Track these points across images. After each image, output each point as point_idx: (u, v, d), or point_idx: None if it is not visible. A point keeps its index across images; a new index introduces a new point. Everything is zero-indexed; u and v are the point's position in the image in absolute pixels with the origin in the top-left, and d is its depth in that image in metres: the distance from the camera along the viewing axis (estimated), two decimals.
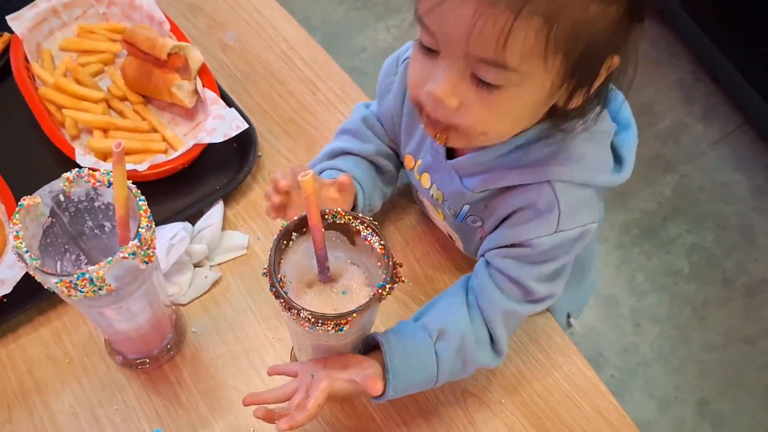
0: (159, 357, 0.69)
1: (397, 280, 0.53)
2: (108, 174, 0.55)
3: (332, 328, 0.51)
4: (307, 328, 0.52)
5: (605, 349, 1.43)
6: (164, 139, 0.82)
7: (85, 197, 0.57)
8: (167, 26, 0.87)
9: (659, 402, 1.38)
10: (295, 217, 0.55)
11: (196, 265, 0.75)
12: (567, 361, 0.74)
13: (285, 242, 0.55)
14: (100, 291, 0.52)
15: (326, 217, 0.54)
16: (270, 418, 0.59)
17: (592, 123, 0.56)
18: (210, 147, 0.79)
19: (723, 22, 1.66)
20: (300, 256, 0.57)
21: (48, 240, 0.56)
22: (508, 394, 0.71)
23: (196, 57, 0.83)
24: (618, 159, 0.62)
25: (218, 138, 0.79)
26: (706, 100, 1.76)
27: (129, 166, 0.75)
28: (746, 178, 1.65)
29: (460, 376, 0.65)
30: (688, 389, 1.39)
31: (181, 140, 0.82)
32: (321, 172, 0.71)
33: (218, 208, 0.78)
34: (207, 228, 0.75)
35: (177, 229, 0.73)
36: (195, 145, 0.78)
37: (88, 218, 0.59)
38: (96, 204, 0.58)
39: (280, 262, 0.55)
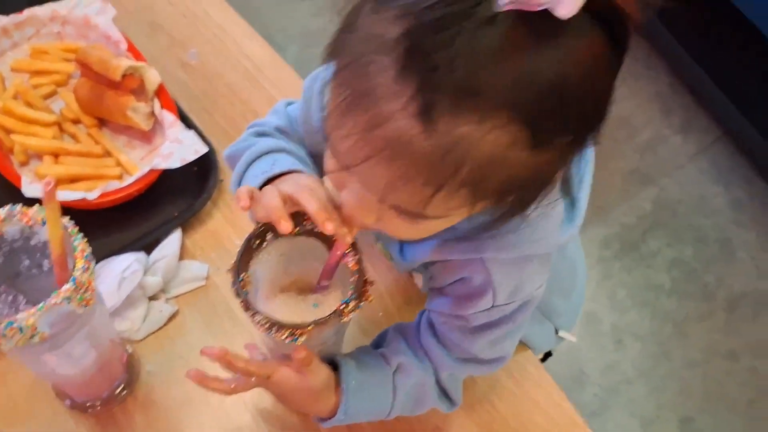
0: (110, 399, 0.65)
1: (364, 299, 0.50)
2: (42, 211, 0.51)
3: (287, 336, 0.49)
4: (262, 333, 0.50)
5: (587, 367, 1.40)
6: (119, 164, 0.78)
7: (20, 235, 0.53)
8: (124, 45, 0.83)
9: (642, 421, 1.35)
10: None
11: (151, 299, 0.71)
12: (542, 393, 0.71)
13: (258, 241, 0.53)
14: (32, 339, 0.48)
15: (304, 223, 0.52)
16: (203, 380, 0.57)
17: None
18: (167, 172, 0.76)
19: (700, 35, 1.64)
20: (275, 258, 0.55)
21: None
22: (480, 425, 0.67)
23: (152, 77, 0.79)
24: (571, 202, 0.52)
25: (175, 163, 0.75)
26: (684, 113, 1.74)
27: (78, 195, 0.71)
28: (725, 190, 1.64)
29: (412, 413, 0.62)
30: (670, 407, 1.37)
31: (137, 165, 0.78)
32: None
33: (175, 236, 0.74)
34: (162, 259, 0.72)
35: (129, 260, 0.69)
36: (150, 171, 0.75)
37: (24, 257, 0.55)
38: (32, 243, 0.54)
39: (249, 261, 0.53)
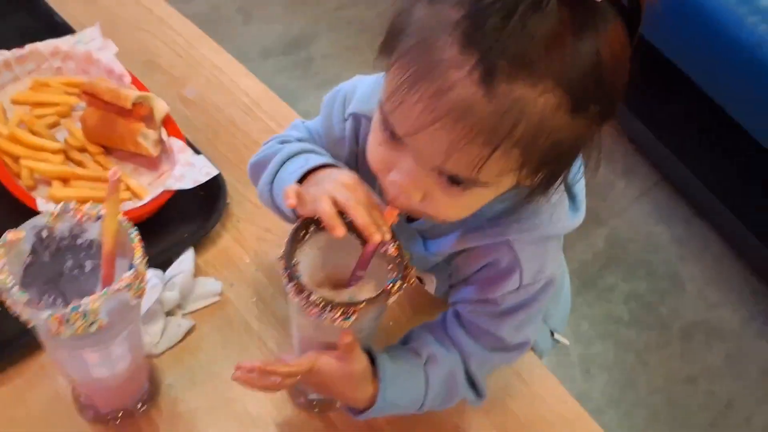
0: (133, 411, 0.65)
1: (407, 281, 0.53)
2: (96, 207, 0.53)
3: (340, 315, 0.51)
4: (314, 317, 0.52)
5: None
6: (128, 188, 0.80)
7: (68, 234, 0.54)
8: (128, 79, 0.86)
9: None
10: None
11: (167, 314, 0.72)
12: (548, 390, 0.74)
13: (302, 233, 0.56)
14: (91, 327, 0.49)
15: (343, 216, 0.55)
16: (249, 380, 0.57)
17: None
18: (176, 196, 0.78)
19: (635, 86, 1.80)
20: (314, 251, 0.57)
21: (28, 280, 0.53)
22: (497, 428, 0.70)
23: (160, 106, 0.82)
24: (571, 197, 0.60)
25: (188, 184, 0.77)
26: (624, 160, 1.88)
27: None
28: (668, 228, 1.76)
29: (443, 406, 0.64)
30: None
31: (146, 189, 0.80)
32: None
33: (189, 255, 0.76)
34: (179, 275, 0.73)
35: (149, 275, 0.70)
36: (164, 192, 0.77)
37: (69, 257, 0.56)
38: (78, 242, 0.55)
39: (294, 252, 0.55)
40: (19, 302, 0.47)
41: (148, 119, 0.81)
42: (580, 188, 0.61)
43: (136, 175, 0.83)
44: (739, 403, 1.48)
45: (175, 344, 0.71)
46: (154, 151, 0.81)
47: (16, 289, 0.47)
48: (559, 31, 0.42)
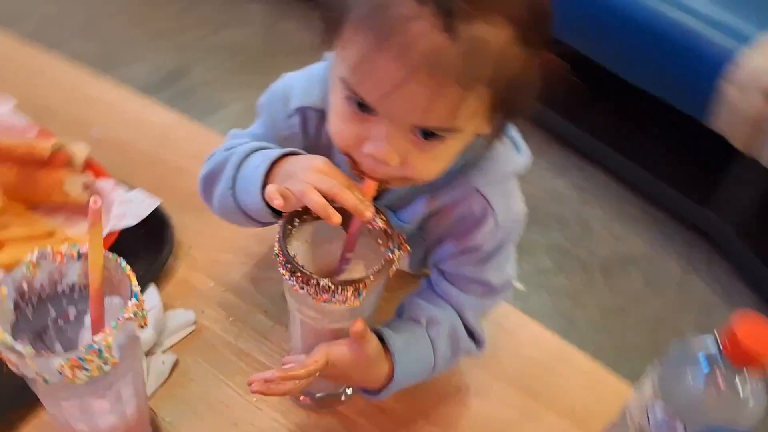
0: None
1: (404, 249, 0.55)
2: (75, 246, 0.50)
3: (352, 293, 0.52)
4: (324, 303, 0.52)
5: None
6: (67, 239, 0.75)
7: (48, 282, 0.51)
8: (34, 130, 0.81)
9: None
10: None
11: (147, 354, 0.69)
12: (527, 331, 0.79)
13: (289, 228, 0.56)
14: (105, 367, 0.47)
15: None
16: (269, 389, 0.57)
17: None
18: (121, 236, 0.74)
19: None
20: (303, 245, 0.58)
21: (16, 338, 0.49)
22: (497, 378, 0.73)
23: (80, 149, 0.78)
24: (512, 141, 0.63)
25: (133, 221, 0.75)
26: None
27: None
28: (567, 180, 1.89)
29: (450, 363, 0.66)
30: None
31: (86, 237, 0.76)
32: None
33: (152, 291, 0.73)
34: (151, 310, 0.70)
35: None
36: (109, 234, 0.73)
37: (51, 308, 0.52)
38: (59, 289, 0.52)
39: (287, 247, 0.55)
40: (27, 357, 0.44)
41: (69, 165, 0.78)
42: (515, 132, 0.64)
43: (70, 225, 0.78)
44: (667, 319, 1.61)
45: (164, 381, 0.68)
46: (84, 197, 0.77)
47: (19, 345, 0.44)
48: None
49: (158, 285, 0.75)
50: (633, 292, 1.66)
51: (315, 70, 0.65)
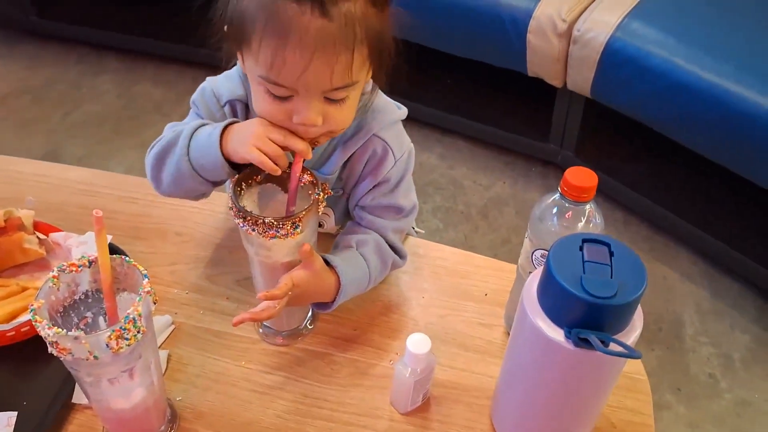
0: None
1: (326, 192, 0.73)
2: (85, 256, 0.64)
3: (291, 226, 0.69)
4: (272, 239, 0.69)
5: None
6: (36, 290, 0.86)
7: (68, 293, 0.64)
8: None
9: None
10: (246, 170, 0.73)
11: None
12: (448, 256, 0.99)
13: (239, 189, 0.72)
14: (138, 335, 0.61)
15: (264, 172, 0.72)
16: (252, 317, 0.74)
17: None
18: None
19: None
20: (251, 205, 0.74)
21: None
22: (420, 289, 0.93)
23: (26, 212, 0.90)
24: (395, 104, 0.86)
25: None
26: None
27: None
28: (426, 150, 2.14)
29: (383, 273, 0.86)
30: None
31: None
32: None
33: None
34: None
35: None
36: None
37: (73, 315, 0.65)
38: (76, 297, 0.65)
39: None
40: (82, 338, 0.58)
41: (23, 228, 0.89)
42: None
43: (33, 280, 0.89)
44: None
45: (164, 373, 0.81)
46: (42, 252, 0.88)
47: (73, 332, 0.58)
48: None
49: None
50: (509, 225, 1.94)
51: (231, 72, 0.83)
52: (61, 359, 0.61)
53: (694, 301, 1.74)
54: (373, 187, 0.83)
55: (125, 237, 0.96)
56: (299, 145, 0.71)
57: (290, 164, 0.73)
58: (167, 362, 0.83)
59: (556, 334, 0.62)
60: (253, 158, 0.70)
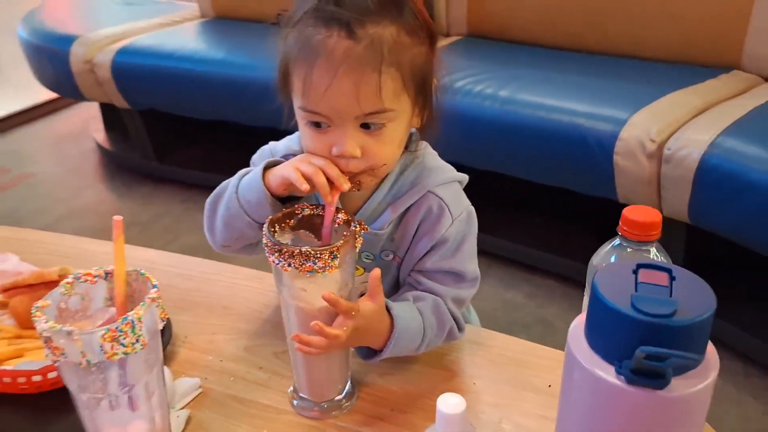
0: None
1: (363, 228, 0.69)
2: (100, 267, 0.62)
3: (329, 256, 0.64)
4: (308, 272, 0.64)
5: None
6: None
7: (80, 307, 0.62)
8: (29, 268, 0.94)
9: None
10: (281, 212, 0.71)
11: None
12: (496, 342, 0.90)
13: (273, 230, 0.68)
14: (136, 345, 0.57)
15: (296, 212, 0.70)
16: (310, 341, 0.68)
17: (427, 141, 0.81)
18: None
19: None
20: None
21: None
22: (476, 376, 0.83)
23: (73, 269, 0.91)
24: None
25: None
26: None
27: None
28: (520, 292, 2.04)
29: (439, 337, 0.78)
30: None
31: None
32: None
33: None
34: None
35: None
36: None
37: None
38: (88, 313, 0.63)
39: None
40: (74, 333, 0.54)
41: None
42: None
43: None
44: None
45: None
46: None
47: (66, 326, 0.55)
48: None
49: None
50: None
51: (292, 137, 0.85)
52: (56, 364, 0.57)
53: None
54: (432, 248, 0.78)
55: (173, 307, 0.94)
56: (335, 171, 0.70)
57: (323, 206, 0.71)
58: (186, 423, 0.76)
59: (607, 372, 0.51)
60: (290, 175, 0.70)
